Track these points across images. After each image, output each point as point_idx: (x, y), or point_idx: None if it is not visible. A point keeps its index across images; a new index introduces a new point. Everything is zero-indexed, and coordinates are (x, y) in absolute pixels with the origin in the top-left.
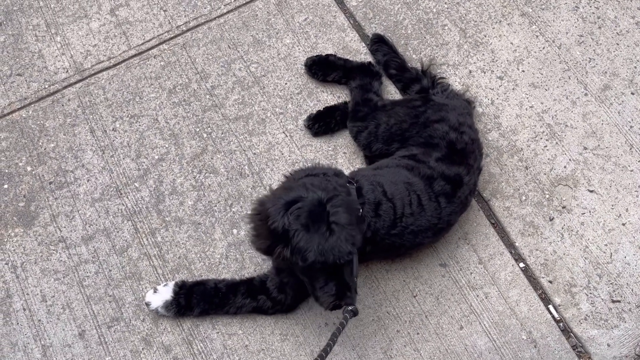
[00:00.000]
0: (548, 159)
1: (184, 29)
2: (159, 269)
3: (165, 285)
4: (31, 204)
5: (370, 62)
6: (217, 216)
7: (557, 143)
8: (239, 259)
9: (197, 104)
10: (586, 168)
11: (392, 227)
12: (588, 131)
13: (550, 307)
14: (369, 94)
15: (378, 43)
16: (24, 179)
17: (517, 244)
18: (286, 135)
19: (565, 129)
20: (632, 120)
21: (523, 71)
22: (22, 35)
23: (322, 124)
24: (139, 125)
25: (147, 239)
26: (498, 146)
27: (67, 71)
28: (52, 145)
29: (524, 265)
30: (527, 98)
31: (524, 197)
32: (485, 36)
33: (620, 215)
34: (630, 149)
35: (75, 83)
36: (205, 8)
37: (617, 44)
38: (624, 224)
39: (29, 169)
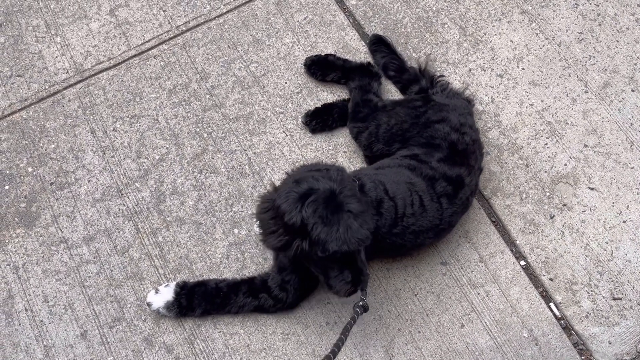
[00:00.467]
0: (548, 156)
1: (184, 29)
2: (161, 269)
3: (166, 285)
4: (32, 204)
5: (369, 63)
6: (218, 216)
7: (557, 141)
8: (240, 259)
9: (197, 103)
10: (587, 166)
11: (394, 226)
12: (588, 129)
13: (552, 304)
14: (368, 94)
15: (377, 44)
16: (25, 180)
17: (517, 242)
18: (286, 135)
19: (566, 126)
20: (632, 117)
21: (523, 69)
22: (22, 36)
23: (319, 120)
24: (140, 125)
25: (148, 239)
26: (498, 144)
27: (67, 72)
28: (53, 146)
29: (524, 263)
30: (527, 96)
31: (524, 195)
32: (485, 34)
33: (621, 212)
34: (631, 146)
35: (76, 84)
36: (204, 8)
37: (617, 41)
38: (624, 222)
39: (29, 169)
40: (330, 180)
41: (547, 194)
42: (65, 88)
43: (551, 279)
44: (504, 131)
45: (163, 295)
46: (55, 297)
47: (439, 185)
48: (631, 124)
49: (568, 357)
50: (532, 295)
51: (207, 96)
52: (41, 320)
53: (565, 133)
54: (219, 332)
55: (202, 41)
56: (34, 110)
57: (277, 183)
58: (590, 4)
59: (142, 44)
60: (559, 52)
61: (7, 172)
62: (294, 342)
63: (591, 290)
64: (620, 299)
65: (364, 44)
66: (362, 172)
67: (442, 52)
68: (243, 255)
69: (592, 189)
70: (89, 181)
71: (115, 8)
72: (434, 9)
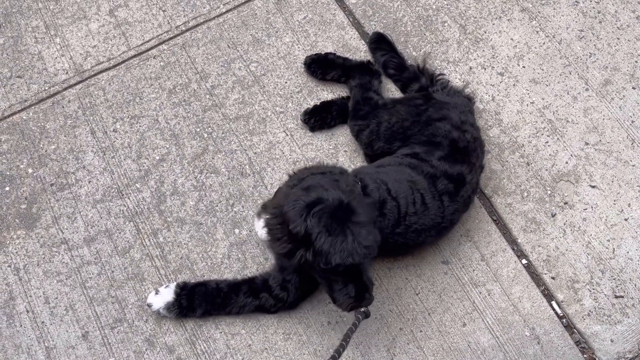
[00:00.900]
0: (549, 154)
1: (183, 29)
2: (162, 270)
3: (166, 287)
4: (33, 206)
5: (369, 61)
6: (219, 216)
7: (558, 139)
8: (241, 259)
9: (198, 104)
10: (588, 163)
11: (397, 225)
12: (589, 126)
13: (553, 303)
14: (369, 92)
15: (377, 42)
16: (25, 181)
17: (519, 241)
18: (287, 134)
19: (567, 124)
20: (633, 115)
21: (523, 67)
22: (21, 37)
23: (318, 118)
24: (140, 125)
25: (149, 240)
26: (499, 142)
27: (67, 72)
28: (53, 147)
29: (526, 261)
30: (528, 94)
31: (525, 194)
32: (485, 32)
33: (622, 210)
34: (632, 143)
35: (76, 84)
36: (204, 8)
37: (618, 39)
38: (626, 219)
39: (30, 171)
40: (340, 191)
41: (548, 192)
42: (65, 89)
43: (553, 278)
44: (505, 129)
45: (163, 296)
46: (57, 298)
47: (440, 183)
48: (632, 122)
49: (570, 355)
50: (533, 293)
51: (207, 96)
52: (42, 322)
53: (566, 131)
54: (221, 332)
55: (201, 41)
56: (33, 111)
57: (277, 184)
58: (591, 1)
59: (141, 44)
60: (560, 49)
61: (8, 173)
62: (295, 342)
63: (593, 289)
64: (622, 297)
65: (363, 42)
66: (363, 170)
67: (443, 50)
68: (244, 255)
69: (593, 187)
70: (89, 182)
71: (115, 8)
72: (434, 7)
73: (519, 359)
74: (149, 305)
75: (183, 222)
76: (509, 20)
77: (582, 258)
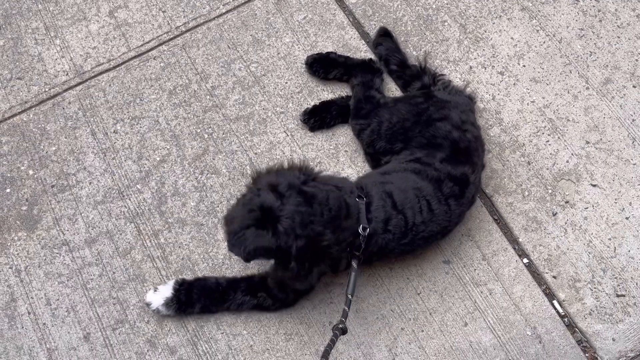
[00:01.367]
0: (550, 153)
1: (183, 29)
2: (163, 271)
3: (165, 284)
4: (34, 207)
5: (371, 59)
6: (220, 217)
7: (559, 138)
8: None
9: (198, 104)
10: (589, 162)
11: (403, 237)
12: (590, 125)
13: (555, 302)
14: (370, 91)
15: (383, 37)
16: (26, 183)
17: (520, 240)
18: (287, 135)
19: (567, 123)
20: (634, 113)
21: (524, 66)
22: (21, 39)
23: (317, 118)
24: (140, 127)
25: (150, 241)
26: (500, 142)
27: (67, 74)
28: (54, 148)
29: (527, 260)
30: (529, 93)
31: (526, 193)
32: (486, 31)
33: (623, 209)
34: (633, 142)
35: (76, 86)
36: (204, 8)
37: (618, 37)
38: (627, 218)
39: (30, 172)
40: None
41: (549, 191)
42: (66, 90)
43: (554, 277)
44: (505, 129)
45: (162, 292)
46: (58, 299)
47: (445, 187)
48: (633, 120)
49: (572, 354)
50: (535, 292)
51: (208, 97)
52: (44, 323)
53: (567, 130)
54: (222, 333)
55: (201, 42)
56: (34, 112)
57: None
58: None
59: (141, 45)
60: (560, 48)
61: (8, 175)
62: (297, 342)
63: (594, 288)
64: (623, 295)
65: (364, 42)
66: (369, 179)
67: (443, 50)
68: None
69: (594, 185)
70: (90, 183)
71: (115, 9)
72: (434, 6)
73: (520, 358)
74: (148, 304)
75: (184, 223)
76: (509, 19)
77: (584, 257)
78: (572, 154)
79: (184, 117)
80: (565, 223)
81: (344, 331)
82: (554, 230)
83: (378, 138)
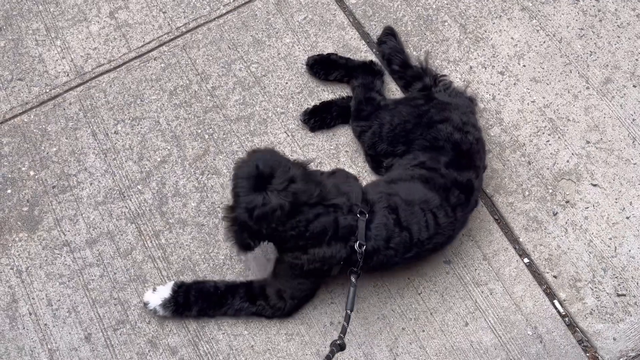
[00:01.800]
0: (551, 153)
1: (184, 30)
2: (164, 271)
3: (164, 285)
4: (35, 208)
5: (372, 61)
6: (221, 217)
7: (559, 137)
8: (243, 260)
9: (198, 105)
10: (589, 162)
11: (407, 252)
12: (590, 125)
13: (556, 302)
14: (371, 92)
15: (388, 35)
16: (27, 184)
17: (521, 240)
18: (288, 135)
19: (568, 123)
20: (634, 113)
21: (524, 66)
22: (22, 40)
23: (317, 118)
24: (141, 127)
25: (151, 241)
26: (500, 142)
27: (68, 75)
28: (55, 149)
29: (528, 260)
30: (529, 93)
31: (527, 193)
32: (486, 31)
33: (624, 208)
34: (633, 141)
35: (76, 87)
36: (204, 9)
37: (618, 37)
38: (627, 218)
39: (31, 173)
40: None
41: (550, 191)
42: (66, 91)
43: (555, 276)
44: (506, 128)
45: (160, 293)
46: (59, 300)
47: (452, 196)
48: (633, 120)
49: (573, 354)
50: (536, 292)
51: (208, 97)
52: (45, 324)
53: (567, 130)
54: (223, 333)
55: (202, 42)
56: (35, 113)
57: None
58: None
59: (142, 45)
60: (560, 48)
61: (9, 176)
62: (298, 342)
63: (595, 287)
64: (624, 295)
65: (364, 43)
66: (376, 189)
67: (443, 50)
68: (246, 256)
69: (594, 185)
70: (91, 184)
71: (115, 10)
72: (434, 6)
73: (521, 358)
74: (146, 304)
75: (185, 224)
76: (509, 19)
77: (584, 257)
78: (572, 154)
79: (184, 118)
80: (566, 223)
81: (342, 347)
82: (554, 230)
83: (379, 140)
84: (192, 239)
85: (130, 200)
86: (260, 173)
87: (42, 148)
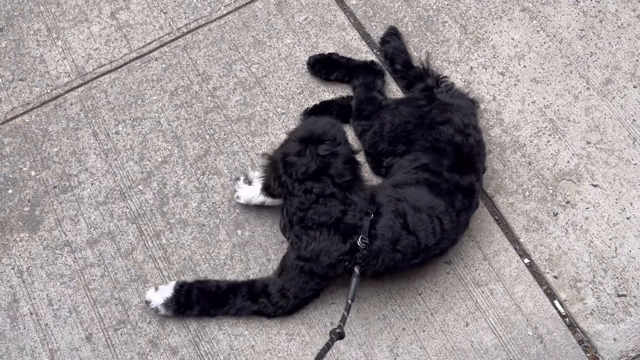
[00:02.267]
0: (551, 154)
1: (185, 30)
2: (165, 271)
3: (166, 284)
4: (36, 208)
5: (373, 61)
6: (221, 217)
7: (559, 138)
8: (243, 260)
9: (199, 105)
10: (589, 162)
11: (415, 257)
12: (591, 125)
13: (556, 302)
14: (372, 92)
15: (391, 35)
16: (28, 184)
17: (521, 240)
18: None
19: (568, 123)
20: (634, 113)
21: (524, 66)
22: (23, 40)
23: None
24: (142, 128)
25: (151, 242)
26: (501, 142)
27: (69, 75)
28: (56, 149)
29: (528, 261)
30: (529, 93)
31: (527, 193)
32: (486, 32)
33: (624, 209)
34: (634, 142)
35: (78, 87)
36: (205, 10)
37: (619, 38)
38: (628, 218)
39: (33, 173)
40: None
41: (550, 191)
42: (67, 91)
43: (555, 277)
44: (506, 129)
45: (162, 292)
46: (60, 300)
47: (457, 201)
48: (633, 120)
49: (573, 354)
50: (536, 292)
51: (209, 98)
52: (46, 324)
53: (568, 130)
54: (224, 333)
55: (203, 43)
56: (36, 114)
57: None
58: (591, 0)
59: (143, 46)
60: (560, 49)
61: (11, 176)
62: (298, 342)
63: (595, 287)
64: (624, 295)
65: (364, 43)
66: (383, 192)
67: (443, 50)
68: (247, 256)
69: (595, 185)
70: (92, 184)
71: (116, 11)
72: (435, 7)
73: (522, 358)
74: (147, 303)
75: (186, 224)
76: (509, 20)
77: (585, 257)
78: (572, 154)
79: (185, 118)
80: (566, 223)
81: (341, 336)
82: (555, 231)
83: (380, 140)
84: (193, 239)
85: (131, 200)
86: (312, 133)
87: (43, 148)
